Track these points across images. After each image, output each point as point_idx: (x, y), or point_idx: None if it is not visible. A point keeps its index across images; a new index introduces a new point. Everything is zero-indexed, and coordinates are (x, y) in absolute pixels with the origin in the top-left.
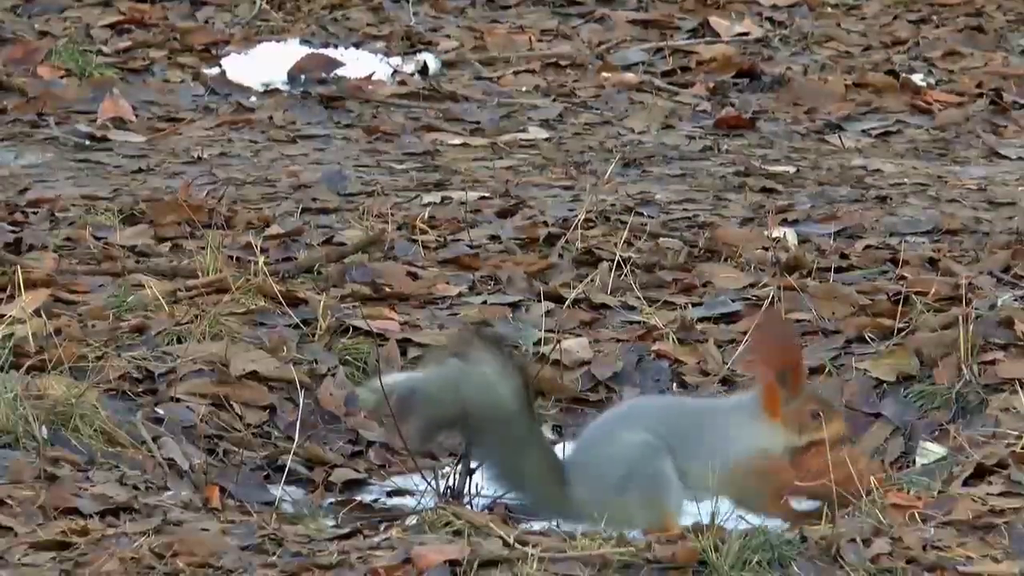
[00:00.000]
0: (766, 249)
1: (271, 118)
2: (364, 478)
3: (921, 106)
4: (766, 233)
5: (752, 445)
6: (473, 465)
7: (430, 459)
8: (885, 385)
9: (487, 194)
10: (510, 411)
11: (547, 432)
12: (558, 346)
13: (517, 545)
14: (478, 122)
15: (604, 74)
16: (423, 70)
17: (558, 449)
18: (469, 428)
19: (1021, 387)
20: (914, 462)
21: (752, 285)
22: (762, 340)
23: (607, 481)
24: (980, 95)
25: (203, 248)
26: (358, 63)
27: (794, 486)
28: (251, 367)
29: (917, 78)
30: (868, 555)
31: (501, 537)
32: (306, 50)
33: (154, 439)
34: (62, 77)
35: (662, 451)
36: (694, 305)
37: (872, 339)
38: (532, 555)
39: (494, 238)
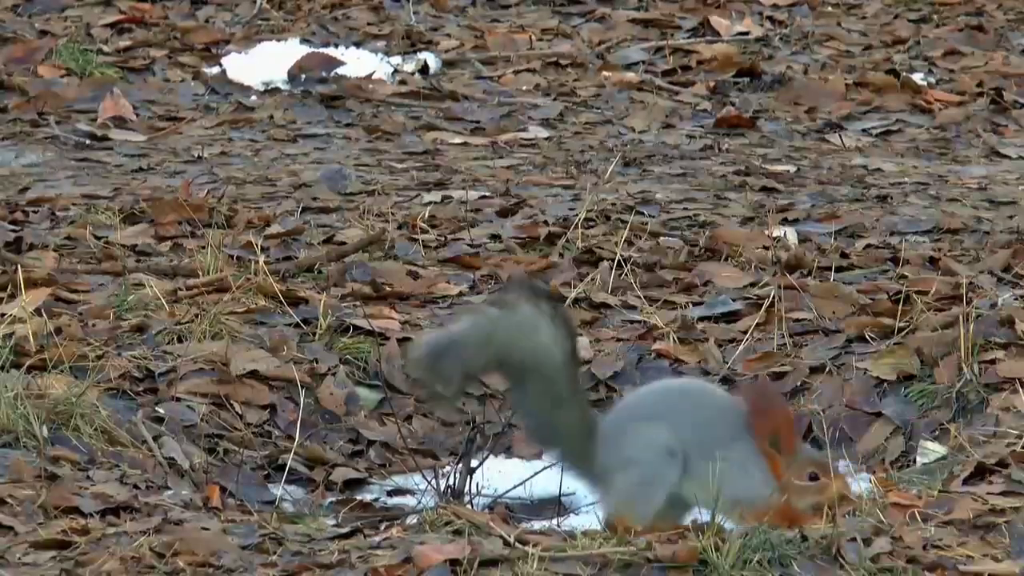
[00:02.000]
0: (767, 248)
1: (271, 117)
2: (364, 477)
3: (922, 105)
4: (767, 232)
5: (759, 495)
6: (474, 464)
7: (431, 458)
8: (886, 384)
9: (487, 193)
10: (554, 362)
11: None
12: None
13: (517, 544)
14: (478, 121)
15: (604, 73)
16: (423, 69)
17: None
18: (511, 374)
19: (1022, 386)
20: (915, 461)
21: (752, 284)
22: (751, 405)
23: (619, 453)
24: (980, 94)
25: (203, 247)
26: (358, 62)
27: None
28: (251, 366)
29: (918, 77)
30: (868, 554)
31: (501, 536)
32: (306, 49)
33: (155, 438)
34: (63, 76)
35: (676, 464)
36: (694, 304)
37: (873, 338)
38: (532, 554)
39: (495, 237)
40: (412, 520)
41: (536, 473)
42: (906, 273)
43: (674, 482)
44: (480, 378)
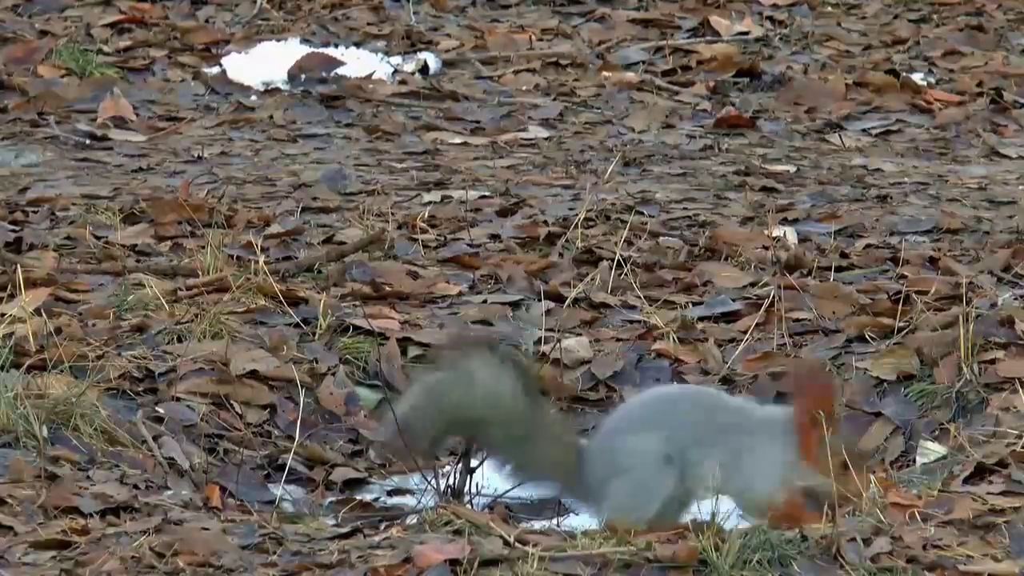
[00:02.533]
0: (766, 248)
1: (271, 117)
2: (364, 477)
3: (921, 105)
4: (766, 232)
5: (779, 476)
6: (474, 464)
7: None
8: (886, 384)
9: (487, 193)
10: (504, 405)
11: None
12: (558, 345)
13: (517, 544)
14: (478, 121)
15: (604, 73)
16: (423, 69)
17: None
18: (472, 427)
19: (1021, 386)
20: (914, 461)
21: (752, 284)
22: (798, 380)
23: (612, 466)
24: (980, 94)
25: (203, 247)
26: (358, 62)
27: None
28: (251, 366)
29: (917, 77)
30: (868, 554)
31: (501, 536)
32: (306, 49)
33: (154, 438)
34: (63, 76)
35: (673, 471)
36: (694, 304)
37: (873, 338)
38: (532, 554)
39: (494, 237)
40: (412, 520)
41: None
42: (906, 273)
43: (670, 489)
44: (444, 441)
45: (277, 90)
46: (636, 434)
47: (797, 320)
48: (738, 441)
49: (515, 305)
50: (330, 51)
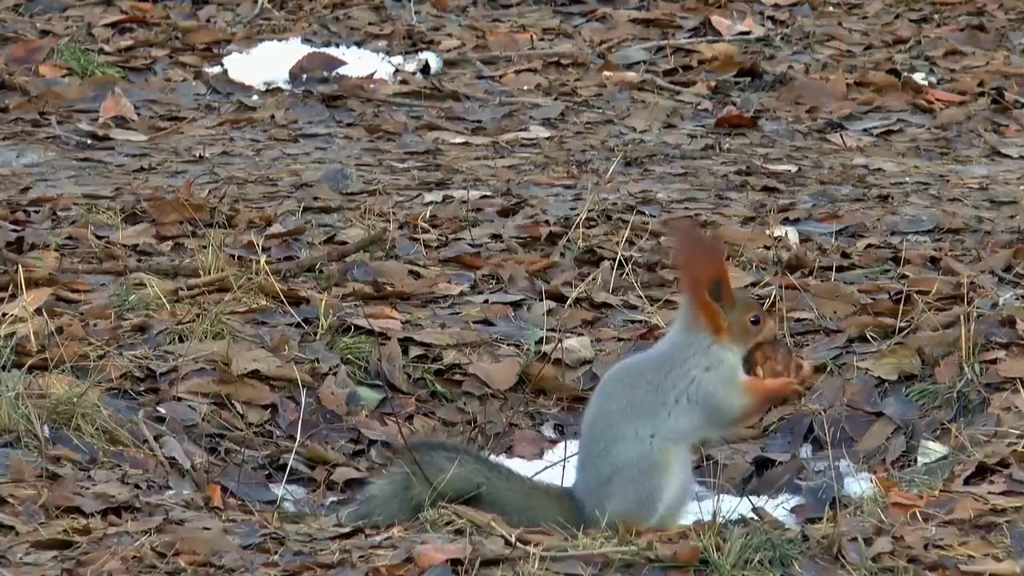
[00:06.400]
0: (768, 248)
1: (273, 117)
2: (365, 477)
3: (923, 105)
4: (768, 232)
5: (719, 375)
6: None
7: None
8: (887, 384)
9: (489, 193)
10: (482, 484)
11: (548, 431)
12: (560, 345)
13: (519, 544)
14: (480, 121)
15: (606, 73)
16: (425, 69)
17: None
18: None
19: (1022, 386)
20: (916, 461)
21: (754, 284)
22: (684, 258)
23: (601, 474)
24: (981, 94)
25: (205, 247)
26: (360, 62)
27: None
28: (253, 366)
29: (919, 77)
30: (870, 554)
31: (503, 536)
32: (308, 49)
33: (156, 438)
34: (64, 76)
35: (657, 467)
36: None
37: (874, 338)
38: (533, 554)
39: (496, 237)
40: (413, 520)
41: (537, 473)
42: (907, 273)
43: (664, 487)
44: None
45: (278, 90)
46: (615, 440)
47: (798, 320)
48: (664, 391)
49: (516, 305)
50: (331, 51)
